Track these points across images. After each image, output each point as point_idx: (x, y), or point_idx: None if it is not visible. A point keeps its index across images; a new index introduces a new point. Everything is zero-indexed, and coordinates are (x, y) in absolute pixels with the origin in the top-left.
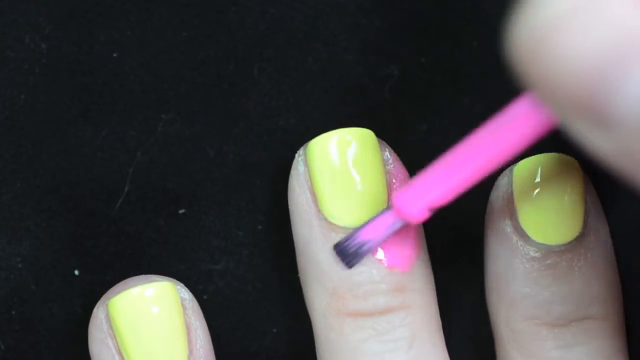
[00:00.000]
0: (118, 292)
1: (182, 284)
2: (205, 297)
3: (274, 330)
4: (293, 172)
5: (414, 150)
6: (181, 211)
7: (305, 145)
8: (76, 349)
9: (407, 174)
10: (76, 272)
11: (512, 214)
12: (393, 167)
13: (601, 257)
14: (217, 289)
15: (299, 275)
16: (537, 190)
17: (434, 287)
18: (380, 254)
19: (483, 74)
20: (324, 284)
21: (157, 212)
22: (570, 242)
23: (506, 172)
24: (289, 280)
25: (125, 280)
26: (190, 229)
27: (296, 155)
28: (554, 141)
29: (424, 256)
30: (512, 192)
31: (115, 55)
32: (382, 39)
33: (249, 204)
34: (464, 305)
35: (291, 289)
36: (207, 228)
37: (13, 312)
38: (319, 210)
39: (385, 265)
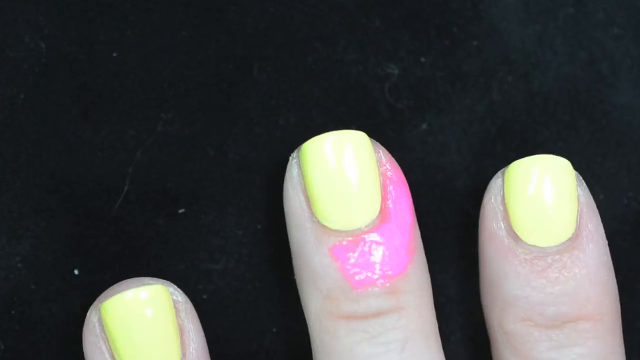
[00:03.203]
0: (110, 296)
1: (175, 286)
2: (205, 297)
3: (274, 330)
4: (287, 175)
5: (414, 150)
6: (181, 211)
7: (299, 148)
8: (76, 349)
9: (402, 175)
10: (76, 272)
11: (504, 217)
12: (388, 168)
13: (595, 258)
14: (217, 289)
15: (295, 277)
16: (529, 193)
17: (430, 289)
18: (374, 257)
19: (483, 74)
20: (318, 286)
21: (157, 212)
22: (562, 244)
23: (499, 174)
24: (289, 280)
25: (118, 284)
26: (190, 229)
27: (290, 158)
28: (546, 143)
29: (420, 257)
30: (504, 195)
31: (115, 55)
32: (382, 39)
33: (249, 204)
34: (463, 306)
35: (291, 289)
36: (207, 228)
37: (13, 312)
38: (312, 214)
39: (379, 268)
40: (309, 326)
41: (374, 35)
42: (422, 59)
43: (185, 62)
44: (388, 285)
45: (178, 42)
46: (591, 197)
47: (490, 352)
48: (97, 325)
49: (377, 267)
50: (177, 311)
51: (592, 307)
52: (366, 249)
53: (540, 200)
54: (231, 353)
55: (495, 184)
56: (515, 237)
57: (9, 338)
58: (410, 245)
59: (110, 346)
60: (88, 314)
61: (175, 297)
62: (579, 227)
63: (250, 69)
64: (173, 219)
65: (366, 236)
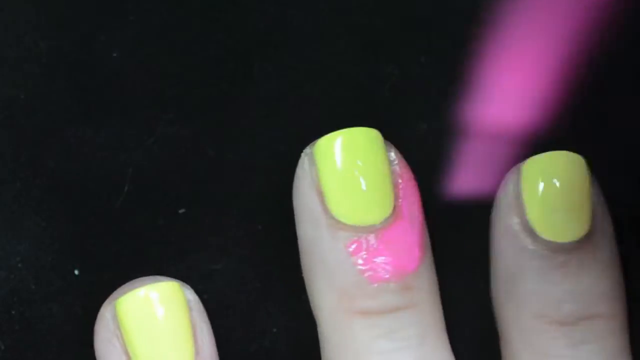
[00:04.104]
0: (125, 292)
1: (187, 285)
2: (205, 297)
3: (274, 330)
4: (299, 170)
5: (414, 150)
6: (181, 211)
7: (312, 144)
8: (76, 349)
9: (412, 174)
10: (76, 272)
11: (520, 212)
12: (399, 167)
13: (608, 255)
14: (217, 289)
15: (303, 275)
16: (545, 188)
17: (438, 287)
18: (389, 253)
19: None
20: (332, 283)
21: (157, 212)
22: (579, 240)
23: (514, 169)
24: (289, 280)
25: (132, 281)
26: (190, 229)
27: (302, 154)
28: (562, 140)
29: (430, 256)
30: (520, 190)
31: (115, 55)
32: (382, 39)
33: (249, 204)
34: (463, 306)
35: (291, 289)
36: (207, 228)
37: (13, 312)
38: (326, 209)
39: (394, 264)
40: (319, 323)
41: (374, 35)
42: (422, 59)
43: (185, 62)
44: (402, 281)
45: (178, 42)
46: (602, 195)
47: (490, 352)
48: (110, 321)
49: (392, 263)
50: (190, 309)
51: (606, 304)
52: (381, 245)
53: (557, 196)
54: (231, 353)
55: (510, 179)
56: (532, 233)
57: (9, 338)
58: (422, 242)
59: (123, 342)
60: (101, 310)
61: (187, 296)
62: (594, 224)
63: (250, 69)
64: (173, 219)
65: (380, 232)
